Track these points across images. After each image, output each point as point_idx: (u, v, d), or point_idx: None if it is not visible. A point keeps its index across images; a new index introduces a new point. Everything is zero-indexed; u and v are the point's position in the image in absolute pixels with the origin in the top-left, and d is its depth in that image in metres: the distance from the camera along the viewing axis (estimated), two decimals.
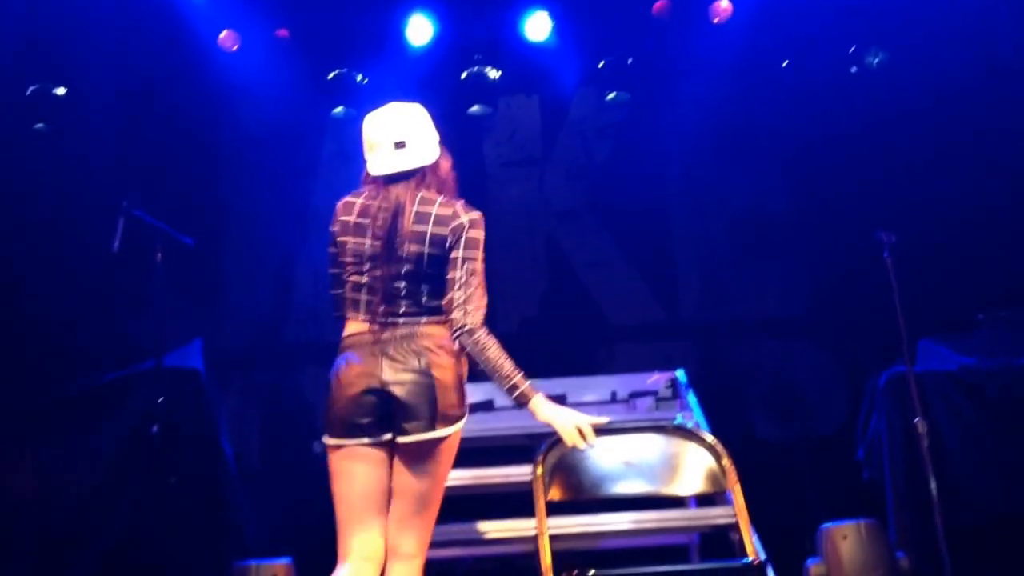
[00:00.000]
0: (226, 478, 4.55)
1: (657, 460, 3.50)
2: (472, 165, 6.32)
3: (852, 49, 5.83)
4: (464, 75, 5.92)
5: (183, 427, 4.24)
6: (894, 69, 5.75)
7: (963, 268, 5.34)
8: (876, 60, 5.81)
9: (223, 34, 5.74)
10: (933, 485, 3.76)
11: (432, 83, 5.88)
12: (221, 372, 4.99)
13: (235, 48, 5.76)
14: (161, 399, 4.04)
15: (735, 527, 3.37)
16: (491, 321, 6.21)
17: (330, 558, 4.32)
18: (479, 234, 2.81)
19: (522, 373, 2.77)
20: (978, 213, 5.51)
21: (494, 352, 2.75)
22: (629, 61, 5.85)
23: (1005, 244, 5.42)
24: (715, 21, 5.75)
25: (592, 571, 2.60)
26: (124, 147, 5.70)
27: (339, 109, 5.93)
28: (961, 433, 4.17)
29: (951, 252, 5.40)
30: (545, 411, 2.78)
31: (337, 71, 5.88)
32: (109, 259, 3.92)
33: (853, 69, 5.83)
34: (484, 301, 2.83)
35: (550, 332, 5.88)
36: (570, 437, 2.76)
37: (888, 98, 5.72)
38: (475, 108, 6.00)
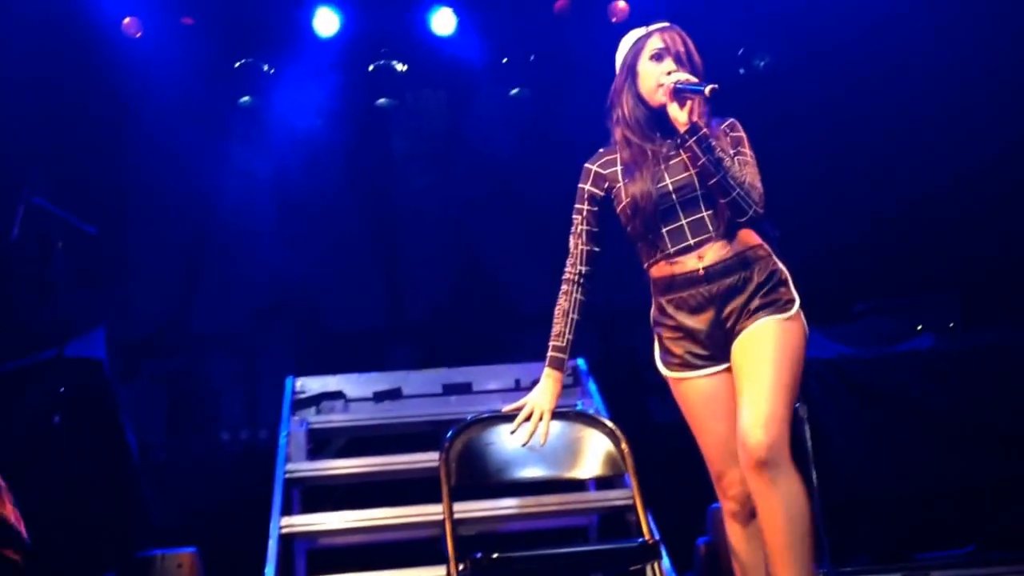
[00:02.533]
0: (130, 468, 4.49)
1: (558, 445, 3.60)
2: (379, 156, 6.38)
3: (740, 51, 6.08)
4: (371, 68, 5.96)
5: (85, 417, 4.19)
6: (778, 70, 6.01)
7: (843, 261, 5.63)
8: (762, 63, 6.08)
9: (127, 20, 5.64)
10: (812, 466, 3.99)
11: (339, 75, 5.89)
12: (125, 361, 4.94)
13: (139, 35, 5.67)
14: (62, 389, 3.99)
15: (632, 508, 3.52)
16: (400, 310, 6.31)
17: (235, 547, 4.38)
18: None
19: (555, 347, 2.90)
20: (856, 209, 5.81)
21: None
22: (531, 58, 5.99)
23: (881, 238, 5.75)
24: (613, 20, 5.93)
25: (495, 555, 2.69)
26: (25, 135, 5.56)
27: (246, 99, 5.91)
28: (838, 417, 4.36)
29: (832, 246, 5.68)
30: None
31: (243, 60, 5.84)
32: (8, 247, 3.85)
33: (741, 71, 6.09)
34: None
35: (458, 321, 5.98)
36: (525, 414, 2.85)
37: (773, 98, 5.97)
38: (382, 100, 6.05)
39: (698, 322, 2.71)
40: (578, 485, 4.33)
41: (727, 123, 2.84)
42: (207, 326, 5.85)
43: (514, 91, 6.06)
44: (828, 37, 5.80)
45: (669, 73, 2.74)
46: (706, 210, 2.70)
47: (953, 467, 4.33)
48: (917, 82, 5.71)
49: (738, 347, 2.67)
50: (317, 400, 4.88)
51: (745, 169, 2.71)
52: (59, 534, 3.94)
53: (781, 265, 2.77)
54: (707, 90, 2.60)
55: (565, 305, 2.93)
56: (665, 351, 2.81)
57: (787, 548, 2.53)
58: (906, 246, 5.70)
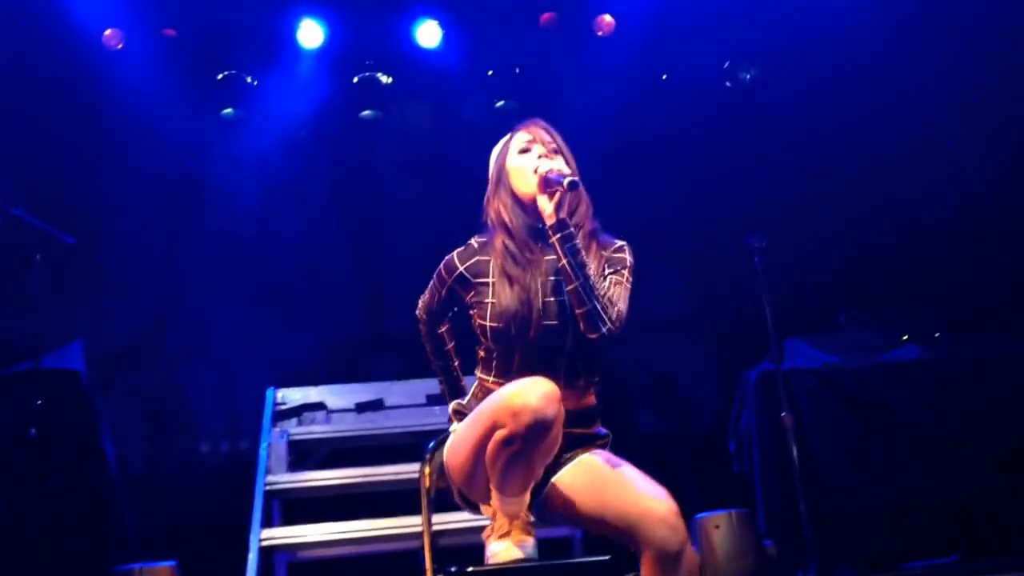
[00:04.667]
0: (108, 480, 4.45)
1: None
2: (363, 168, 6.36)
3: (726, 65, 6.11)
4: (356, 79, 5.95)
5: (63, 429, 4.15)
6: (764, 84, 6.04)
7: (827, 272, 5.64)
8: (748, 76, 6.11)
9: (107, 32, 5.61)
10: (798, 476, 3.98)
11: (324, 86, 5.88)
12: (103, 373, 4.89)
13: (119, 46, 5.64)
14: (39, 401, 3.94)
15: None
16: (384, 319, 6.23)
17: (215, 560, 4.32)
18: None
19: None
20: (841, 222, 5.84)
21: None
22: (517, 70, 5.99)
23: (864, 251, 5.76)
24: (599, 34, 5.96)
25: (470, 568, 2.64)
26: (2, 145, 5.51)
27: (228, 110, 5.88)
28: (824, 427, 4.39)
29: (817, 257, 5.70)
30: None
31: (226, 72, 5.82)
32: None
33: (727, 84, 6.12)
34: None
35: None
36: None
37: (759, 111, 6.00)
38: (367, 112, 6.03)
39: None
40: None
41: (617, 245, 2.69)
42: (187, 338, 5.79)
43: (499, 103, 6.06)
44: (815, 49, 5.85)
45: (540, 158, 2.63)
46: (567, 355, 2.56)
47: (939, 477, 4.37)
48: (906, 94, 5.77)
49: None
50: (298, 411, 4.83)
51: (614, 288, 2.55)
52: (35, 546, 3.89)
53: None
54: (566, 182, 2.46)
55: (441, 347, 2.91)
56: None
57: None
58: (891, 257, 5.72)
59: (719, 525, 3.92)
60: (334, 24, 5.82)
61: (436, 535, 3.38)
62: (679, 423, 5.61)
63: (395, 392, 4.92)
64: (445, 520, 3.93)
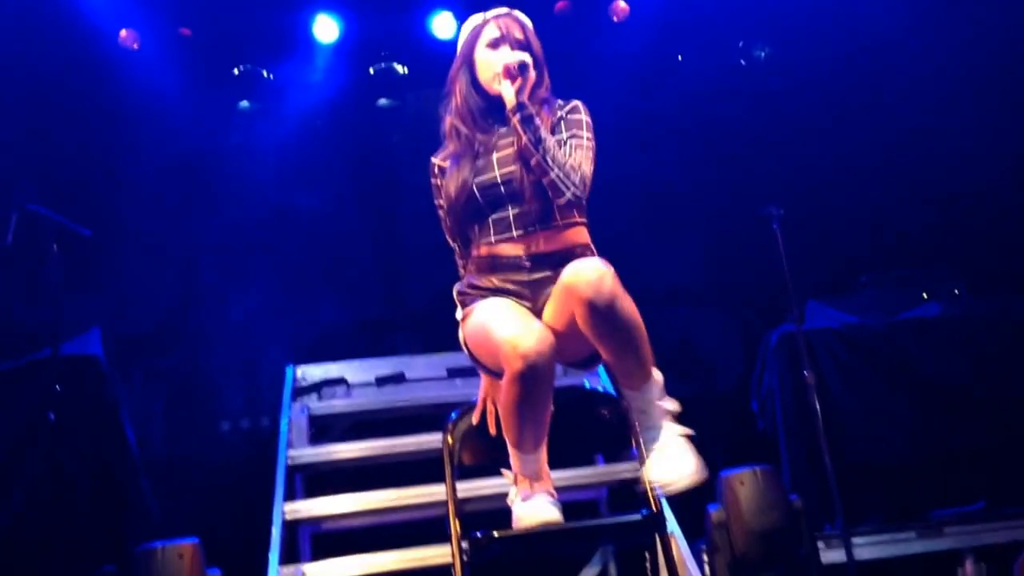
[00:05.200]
0: (129, 462, 4.45)
1: (566, 421, 3.58)
2: (384, 154, 6.38)
3: (741, 44, 6.10)
4: (372, 70, 5.98)
5: (82, 413, 4.15)
6: (779, 60, 6.09)
7: (846, 235, 5.66)
8: (763, 54, 6.11)
9: (123, 32, 5.63)
10: (821, 432, 3.97)
11: (340, 77, 5.90)
12: (122, 359, 4.89)
13: (136, 46, 5.66)
14: (58, 386, 3.95)
15: (640, 480, 3.48)
16: (404, 300, 6.25)
17: (239, 536, 4.31)
18: None
19: None
20: (858, 185, 5.83)
21: None
22: None
23: (882, 213, 5.77)
24: (615, 20, 5.96)
25: (496, 532, 2.64)
26: (21, 142, 5.54)
27: (245, 103, 5.93)
28: (845, 384, 4.38)
29: (835, 221, 5.72)
30: None
31: (243, 66, 5.85)
32: (2, 252, 3.83)
33: (742, 62, 6.11)
34: None
35: None
36: None
37: (774, 84, 6.01)
38: (383, 101, 6.09)
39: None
40: (587, 459, 4.27)
41: (569, 105, 2.82)
42: (206, 321, 5.81)
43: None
44: (830, 18, 5.87)
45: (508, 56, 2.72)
46: (534, 203, 2.67)
47: (961, 430, 4.34)
48: (920, 63, 5.76)
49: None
50: (318, 387, 4.83)
51: (575, 153, 2.69)
52: (56, 529, 3.89)
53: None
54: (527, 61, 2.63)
55: None
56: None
57: None
58: (910, 218, 5.70)
59: (744, 481, 3.90)
60: (349, 18, 5.85)
61: (461, 502, 3.36)
62: (702, 387, 5.62)
63: (416, 366, 4.92)
64: (469, 487, 3.91)
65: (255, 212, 5.87)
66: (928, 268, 5.00)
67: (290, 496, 4.15)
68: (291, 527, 4.07)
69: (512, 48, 2.76)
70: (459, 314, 2.79)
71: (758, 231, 4.36)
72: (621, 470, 4.16)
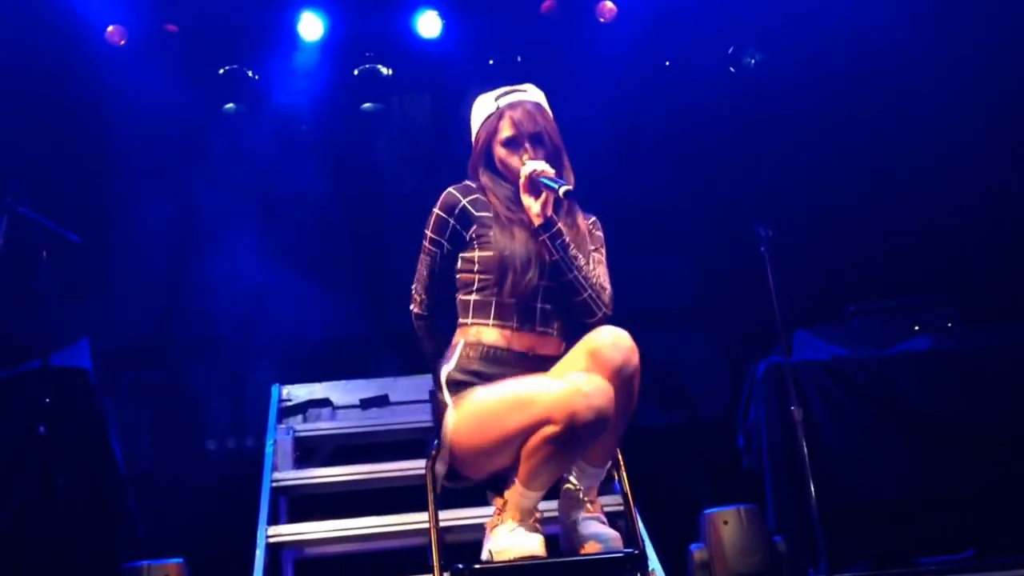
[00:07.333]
0: (116, 478, 4.45)
1: None
2: (366, 159, 6.34)
3: (730, 50, 6.04)
4: (356, 72, 5.93)
5: (71, 427, 4.15)
6: (769, 69, 5.98)
7: (836, 262, 5.59)
8: (753, 61, 6.05)
9: (110, 28, 5.60)
10: (808, 471, 3.93)
11: (325, 79, 5.86)
12: (109, 371, 4.88)
13: (122, 43, 5.63)
14: (48, 400, 3.94)
15: (623, 514, 3.47)
16: (386, 316, 6.22)
17: (222, 557, 4.32)
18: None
19: None
20: (849, 211, 5.77)
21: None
22: (519, 59, 5.96)
23: (873, 240, 5.70)
24: (601, 20, 5.91)
25: (477, 565, 2.64)
26: (7, 144, 5.51)
27: (230, 105, 5.87)
28: (834, 420, 4.33)
29: (825, 247, 5.64)
30: None
31: (228, 67, 5.81)
32: None
33: (732, 69, 6.05)
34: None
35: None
36: None
37: (765, 97, 5.94)
38: (367, 105, 6.03)
39: None
40: None
41: (592, 220, 2.81)
42: (191, 335, 5.79)
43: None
44: (821, 33, 5.78)
45: (524, 154, 2.67)
46: (555, 304, 2.63)
47: (952, 471, 4.28)
48: (914, 82, 5.69)
49: None
50: (304, 408, 4.83)
51: (598, 269, 2.68)
52: (44, 544, 3.89)
53: None
54: (561, 191, 2.53)
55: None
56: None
57: None
58: (901, 247, 5.66)
59: (728, 521, 3.89)
60: (335, 16, 5.80)
61: (443, 531, 3.35)
62: (686, 416, 5.57)
63: (399, 388, 4.91)
64: (452, 516, 3.91)
65: (240, 222, 5.84)
66: (920, 297, 4.93)
67: (274, 519, 4.15)
68: (274, 550, 4.07)
69: (528, 144, 2.68)
70: (447, 398, 2.66)
71: (746, 252, 4.31)
72: (604, 503, 4.12)
